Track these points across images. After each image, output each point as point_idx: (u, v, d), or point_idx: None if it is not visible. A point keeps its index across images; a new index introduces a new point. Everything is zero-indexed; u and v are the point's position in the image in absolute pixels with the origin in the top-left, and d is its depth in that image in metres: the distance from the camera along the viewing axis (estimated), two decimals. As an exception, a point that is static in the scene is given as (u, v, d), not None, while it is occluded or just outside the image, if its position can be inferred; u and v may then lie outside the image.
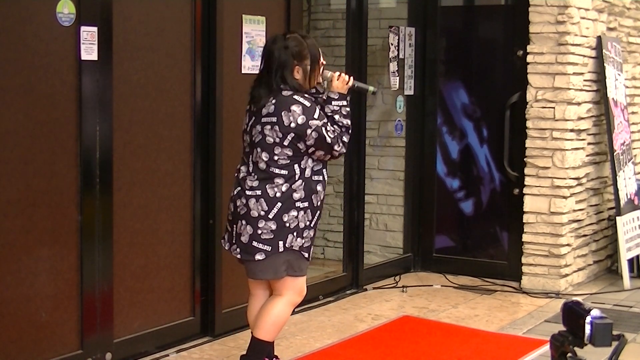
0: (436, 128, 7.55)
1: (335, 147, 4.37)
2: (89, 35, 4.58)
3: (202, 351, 5.27)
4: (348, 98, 4.51)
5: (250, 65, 5.53)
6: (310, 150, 4.36)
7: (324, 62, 4.51)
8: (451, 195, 7.56)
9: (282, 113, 4.30)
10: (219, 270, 5.44)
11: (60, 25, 4.47)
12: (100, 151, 4.70)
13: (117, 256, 4.85)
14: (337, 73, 4.53)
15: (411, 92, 7.48)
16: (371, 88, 4.79)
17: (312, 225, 4.43)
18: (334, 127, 4.40)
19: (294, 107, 4.29)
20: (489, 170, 7.38)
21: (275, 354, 4.66)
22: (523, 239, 7.06)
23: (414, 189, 7.61)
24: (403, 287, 6.98)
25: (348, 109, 4.49)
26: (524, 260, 7.07)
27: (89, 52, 4.60)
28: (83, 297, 4.67)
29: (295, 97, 4.33)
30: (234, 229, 4.44)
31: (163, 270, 5.20)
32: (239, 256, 4.46)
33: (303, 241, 4.40)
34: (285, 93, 4.34)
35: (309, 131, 4.29)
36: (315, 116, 4.32)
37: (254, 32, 5.61)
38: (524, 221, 7.05)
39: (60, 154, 4.54)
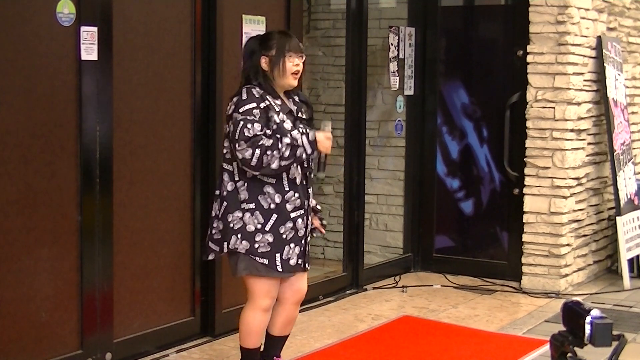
0: (436, 128, 7.55)
1: (238, 145, 4.06)
2: (89, 35, 4.58)
3: (202, 351, 5.27)
4: (315, 153, 4.24)
5: (250, 65, 5.52)
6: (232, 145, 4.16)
7: (299, 62, 4.29)
8: (451, 195, 7.56)
9: (229, 105, 4.29)
10: (219, 270, 5.43)
11: (60, 25, 4.47)
12: (100, 151, 4.70)
13: (117, 256, 4.85)
14: (330, 135, 4.27)
15: (411, 92, 7.48)
16: (322, 174, 4.46)
17: (267, 229, 4.22)
18: (266, 138, 4.09)
19: (234, 98, 4.25)
20: (489, 170, 7.38)
21: (280, 355, 4.65)
22: (523, 239, 7.06)
23: (414, 189, 7.61)
24: (403, 287, 6.98)
25: (305, 156, 4.18)
26: (524, 260, 7.07)
27: (89, 52, 4.60)
28: (83, 297, 4.67)
29: (243, 89, 4.25)
30: None
31: (163, 270, 5.20)
32: (203, 257, 4.51)
33: (255, 245, 4.21)
34: (242, 86, 4.29)
35: (230, 122, 4.19)
36: (242, 110, 4.15)
37: (254, 32, 5.59)
38: (524, 221, 7.04)
39: (60, 154, 4.54)
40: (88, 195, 4.67)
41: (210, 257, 4.40)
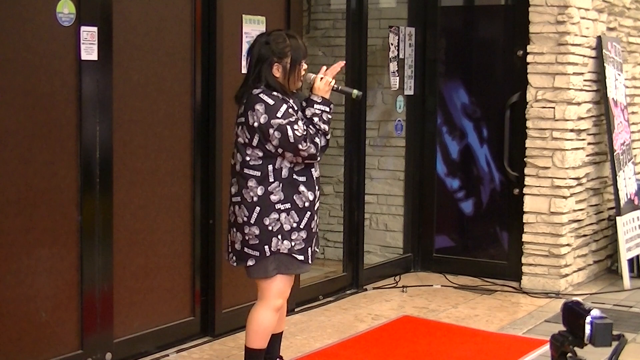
0: (436, 128, 7.55)
1: (300, 147, 4.19)
2: (89, 35, 4.58)
3: (202, 351, 5.27)
4: (332, 105, 4.38)
5: (250, 65, 5.52)
6: (279, 152, 4.23)
7: (306, 66, 4.38)
8: (451, 195, 7.56)
9: (248, 113, 4.23)
10: (219, 270, 5.44)
11: (60, 25, 4.47)
12: (100, 151, 4.70)
13: (117, 256, 4.85)
14: (320, 75, 4.40)
15: (411, 92, 7.48)
16: (355, 91, 4.58)
17: (301, 226, 4.30)
18: (307, 128, 4.25)
19: (257, 106, 4.21)
20: (489, 170, 7.38)
21: (280, 354, 4.65)
22: (523, 239, 7.06)
23: (414, 189, 7.61)
24: (403, 287, 6.98)
25: (330, 116, 4.35)
26: (524, 260, 7.07)
27: (89, 52, 4.60)
28: (83, 297, 4.67)
29: (261, 95, 4.24)
30: (229, 237, 4.44)
31: (163, 270, 5.20)
32: (235, 264, 4.43)
33: (292, 243, 4.28)
34: (254, 91, 4.26)
35: (271, 131, 4.18)
36: (279, 115, 4.19)
37: (254, 32, 5.59)
38: (524, 221, 7.05)
39: (60, 154, 4.54)
40: (88, 195, 4.67)
41: (250, 262, 4.32)
